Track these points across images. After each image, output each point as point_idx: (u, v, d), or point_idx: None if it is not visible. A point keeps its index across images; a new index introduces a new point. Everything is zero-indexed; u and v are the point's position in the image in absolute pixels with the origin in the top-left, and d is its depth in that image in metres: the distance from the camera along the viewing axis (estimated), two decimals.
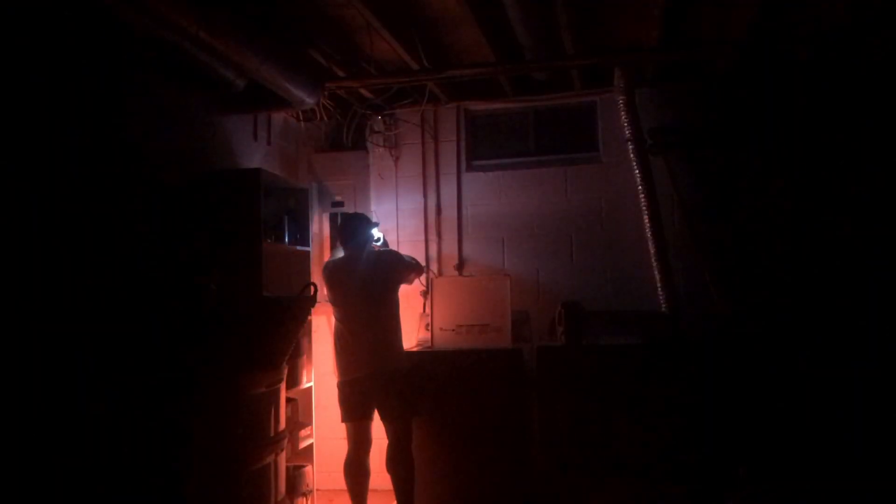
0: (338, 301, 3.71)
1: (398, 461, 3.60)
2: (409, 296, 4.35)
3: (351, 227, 3.83)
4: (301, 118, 4.70)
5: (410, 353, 3.91)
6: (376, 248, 3.97)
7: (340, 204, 4.60)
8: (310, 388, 4.09)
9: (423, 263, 4.43)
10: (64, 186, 2.58)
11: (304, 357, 4.04)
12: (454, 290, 4.23)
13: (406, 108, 4.60)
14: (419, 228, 4.63)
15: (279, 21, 3.39)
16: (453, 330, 4.10)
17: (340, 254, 3.94)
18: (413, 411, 3.68)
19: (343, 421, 3.64)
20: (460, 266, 4.59)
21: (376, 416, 3.66)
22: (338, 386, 3.68)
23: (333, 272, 3.76)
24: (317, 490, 4.05)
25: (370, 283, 3.69)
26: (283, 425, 3.10)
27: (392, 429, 3.62)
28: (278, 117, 4.47)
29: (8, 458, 2.19)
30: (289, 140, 4.68)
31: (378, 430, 3.69)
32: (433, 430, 3.86)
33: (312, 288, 3.12)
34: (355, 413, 3.61)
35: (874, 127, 4.09)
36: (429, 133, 4.68)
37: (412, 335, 4.25)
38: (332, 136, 4.82)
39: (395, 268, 3.82)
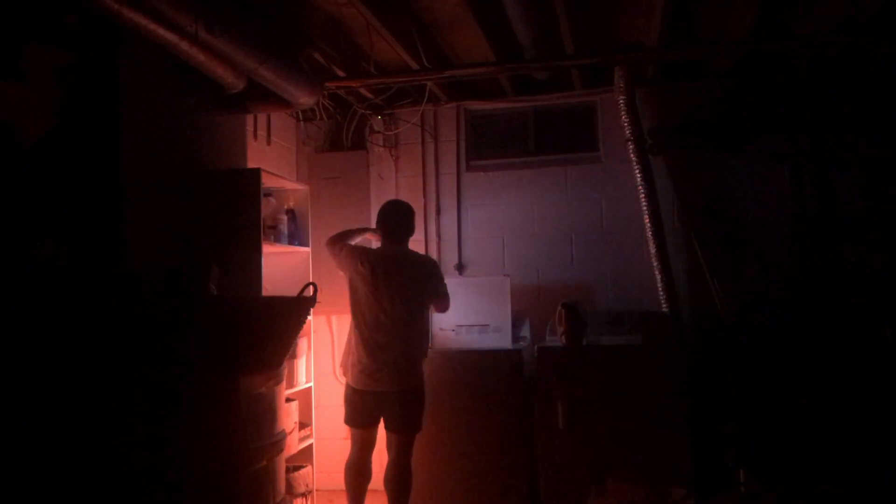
0: (365, 297, 3.50)
1: (400, 478, 3.48)
2: None
3: (394, 217, 3.64)
4: (301, 118, 4.70)
5: None
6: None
7: None
8: (310, 388, 4.08)
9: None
10: (62, 186, 2.57)
11: (304, 357, 4.03)
12: (454, 290, 4.22)
13: (406, 108, 4.60)
14: (419, 228, 4.60)
15: (279, 20, 3.38)
16: (453, 330, 4.10)
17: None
18: (420, 427, 3.56)
19: (347, 423, 3.55)
20: (460, 266, 4.59)
21: None
22: (347, 389, 3.55)
23: (369, 259, 3.53)
24: (316, 490, 4.05)
25: (411, 289, 3.52)
26: (282, 425, 3.10)
27: (396, 441, 3.49)
28: (278, 117, 4.47)
29: (6, 458, 2.18)
30: (289, 140, 4.68)
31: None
32: (432, 431, 3.84)
33: (312, 288, 3.11)
34: (364, 420, 3.50)
35: (875, 127, 4.10)
36: (429, 133, 4.67)
37: None
38: (332, 136, 4.81)
39: (432, 281, 3.62)
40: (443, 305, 3.73)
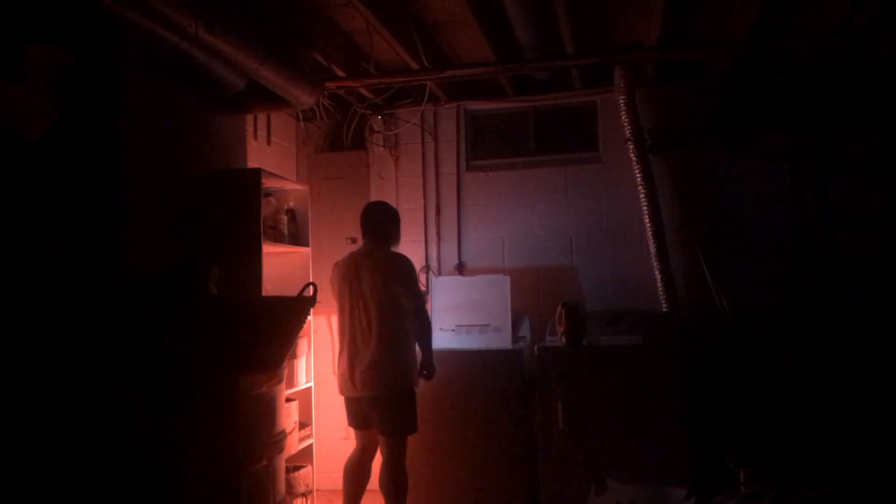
0: (340, 305, 3.56)
1: (392, 480, 3.44)
2: None
3: (366, 217, 3.62)
4: (301, 118, 4.70)
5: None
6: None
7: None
8: (310, 388, 4.08)
9: (425, 264, 4.44)
10: (62, 187, 2.57)
11: (304, 357, 4.04)
12: (454, 290, 4.22)
13: (406, 108, 4.60)
14: (419, 228, 4.63)
15: (279, 20, 3.38)
16: (453, 330, 4.10)
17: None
18: (410, 429, 3.50)
19: (349, 425, 3.61)
20: (460, 266, 4.59)
21: None
22: None
23: (339, 271, 3.59)
24: (316, 490, 4.05)
25: (373, 288, 3.45)
26: (282, 425, 3.10)
27: (385, 444, 3.46)
28: (278, 117, 4.47)
29: (6, 458, 2.18)
30: (289, 140, 4.68)
31: None
32: (432, 431, 3.85)
33: (312, 288, 3.11)
34: (359, 422, 3.53)
35: (875, 127, 4.09)
36: (429, 133, 4.67)
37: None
38: (332, 136, 4.82)
39: (396, 280, 3.47)
40: (413, 313, 3.47)
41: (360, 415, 3.51)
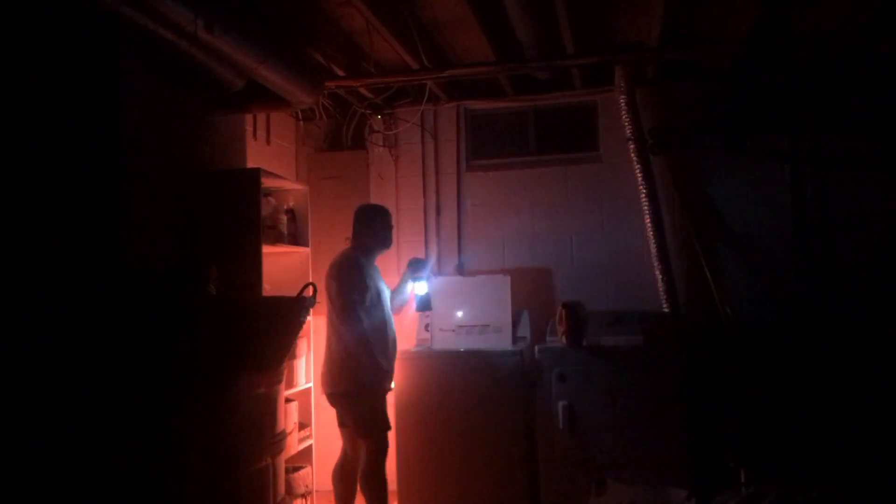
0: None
1: (366, 480, 3.47)
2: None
3: (353, 221, 3.69)
4: (300, 118, 4.70)
5: (405, 356, 3.88)
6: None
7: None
8: (309, 388, 4.08)
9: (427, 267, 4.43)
10: (62, 187, 2.57)
11: (304, 358, 4.03)
12: (454, 290, 4.22)
13: (406, 108, 4.60)
14: (419, 228, 4.62)
15: (278, 20, 3.38)
16: (453, 330, 4.09)
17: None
18: (376, 428, 3.48)
19: None
20: (460, 266, 4.59)
21: None
22: None
23: None
24: (316, 491, 4.05)
25: (325, 290, 3.54)
26: (282, 426, 3.09)
27: (361, 444, 3.51)
28: (278, 117, 4.46)
29: (6, 458, 2.18)
30: (288, 140, 4.68)
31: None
32: (432, 431, 3.85)
33: (312, 288, 3.11)
34: (338, 420, 3.60)
35: (875, 127, 4.09)
36: (429, 132, 4.67)
37: (412, 335, 4.24)
38: (332, 136, 4.81)
39: (328, 281, 3.54)
40: (335, 312, 3.47)
41: (336, 412, 3.58)
